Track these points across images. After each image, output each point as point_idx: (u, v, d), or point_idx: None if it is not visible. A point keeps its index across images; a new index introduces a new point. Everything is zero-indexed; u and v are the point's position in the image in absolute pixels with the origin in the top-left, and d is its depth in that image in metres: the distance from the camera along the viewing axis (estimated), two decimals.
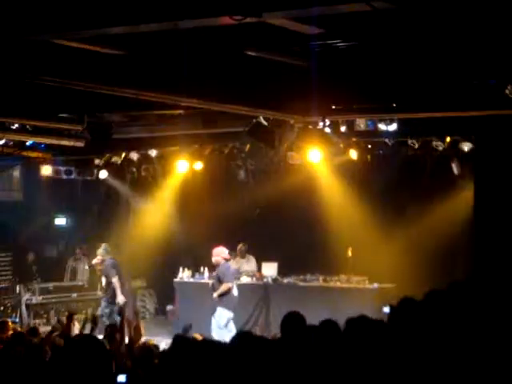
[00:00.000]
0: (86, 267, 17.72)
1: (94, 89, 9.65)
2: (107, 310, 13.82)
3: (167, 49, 8.46)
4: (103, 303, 14.16)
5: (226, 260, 13.64)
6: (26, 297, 15.82)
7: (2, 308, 15.90)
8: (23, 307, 15.48)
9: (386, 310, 7.55)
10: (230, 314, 13.22)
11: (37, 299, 15.87)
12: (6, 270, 17.02)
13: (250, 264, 15.87)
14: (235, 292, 13.47)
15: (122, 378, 5.13)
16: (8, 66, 8.55)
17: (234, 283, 13.54)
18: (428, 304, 6.15)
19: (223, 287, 13.26)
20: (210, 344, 6.63)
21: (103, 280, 14.38)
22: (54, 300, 16.36)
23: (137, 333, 9.28)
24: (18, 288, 15.94)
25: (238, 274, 15.55)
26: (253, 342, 5.43)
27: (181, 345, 5.37)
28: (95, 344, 4.66)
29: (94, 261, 14.51)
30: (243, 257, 15.96)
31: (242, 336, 5.58)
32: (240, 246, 15.92)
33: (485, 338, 5.38)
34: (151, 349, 7.44)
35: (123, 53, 8.58)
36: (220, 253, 13.58)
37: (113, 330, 9.00)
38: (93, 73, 9.21)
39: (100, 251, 14.35)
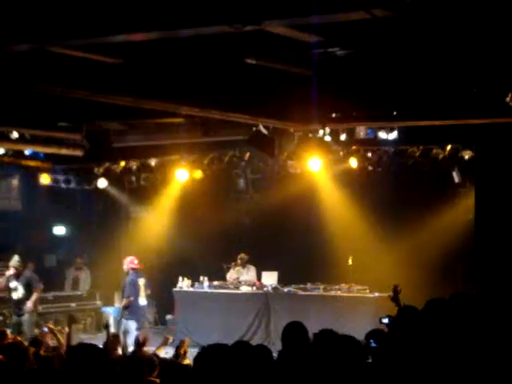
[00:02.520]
0: (86, 276, 17.82)
1: (93, 97, 9.62)
2: (33, 319, 14.17)
3: (166, 57, 8.44)
4: (28, 310, 14.19)
5: (134, 269, 13.73)
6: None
7: (0, 318, 15.80)
8: None
9: (385, 320, 7.52)
10: (135, 324, 13.32)
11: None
12: None
13: (249, 273, 15.81)
14: (141, 302, 13.68)
15: None
16: (6, 74, 8.52)
17: (139, 295, 13.61)
18: (428, 313, 6.11)
19: (124, 301, 13.54)
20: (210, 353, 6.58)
21: (20, 288, 14.39)
22: (53, 310, 16.29)
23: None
24: None
25: (238, 282, 15.53)
26: (251, 352, 5.38)
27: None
28: (96, 353, 4.60)
29: (10, 272, 14.52)
30: (243, 266, 15.90)
31: (240, 346, 5.52)
32: (241, 255, 15.86)
33: (486, 349, 5.33)
34: (151, 359, 7.37)
35: (122, 61, 8.54)
36: (128, 262, 13.76)
37: (114, 340, 8.98)
38: (91, 81, 9.18)
39: (13, 262, 14.44)
